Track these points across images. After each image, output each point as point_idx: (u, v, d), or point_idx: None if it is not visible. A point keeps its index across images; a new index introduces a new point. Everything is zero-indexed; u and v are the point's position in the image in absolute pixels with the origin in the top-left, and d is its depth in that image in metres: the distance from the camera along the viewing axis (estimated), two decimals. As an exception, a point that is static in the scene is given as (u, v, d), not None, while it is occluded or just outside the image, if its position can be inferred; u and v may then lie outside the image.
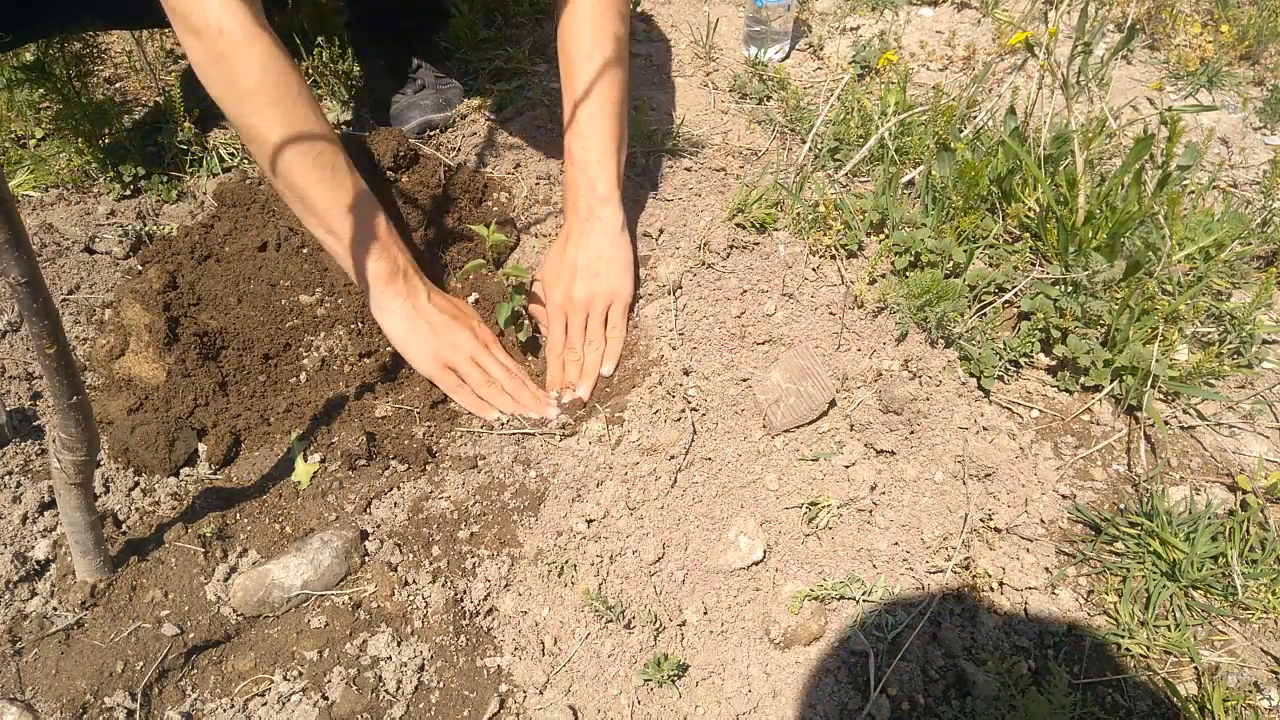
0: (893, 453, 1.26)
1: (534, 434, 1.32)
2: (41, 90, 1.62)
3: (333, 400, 1.36)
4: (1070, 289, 1.35)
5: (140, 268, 1.51)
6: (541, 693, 1.06)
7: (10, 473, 1.22)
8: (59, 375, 0.88)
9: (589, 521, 1.20)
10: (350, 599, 1.12)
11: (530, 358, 1.48)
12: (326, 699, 1.04)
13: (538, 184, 1.69)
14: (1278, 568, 1.11)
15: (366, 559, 1.17)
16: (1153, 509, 1.16)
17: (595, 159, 1.41)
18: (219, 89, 1.22)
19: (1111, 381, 1.30)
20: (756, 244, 1.52)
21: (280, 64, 1.21)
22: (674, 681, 1.06)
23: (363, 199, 1.31)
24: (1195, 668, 1.06)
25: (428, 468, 1.29)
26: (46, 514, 1.18)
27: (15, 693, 1.01)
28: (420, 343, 1.35)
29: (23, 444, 1.26)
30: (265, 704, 1.03)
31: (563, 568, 1.16)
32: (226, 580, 1.13)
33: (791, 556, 1.17)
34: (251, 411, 1.33)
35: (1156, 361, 1.25)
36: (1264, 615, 1.09)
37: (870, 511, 1.21)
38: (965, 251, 1.41)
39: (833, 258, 1.49)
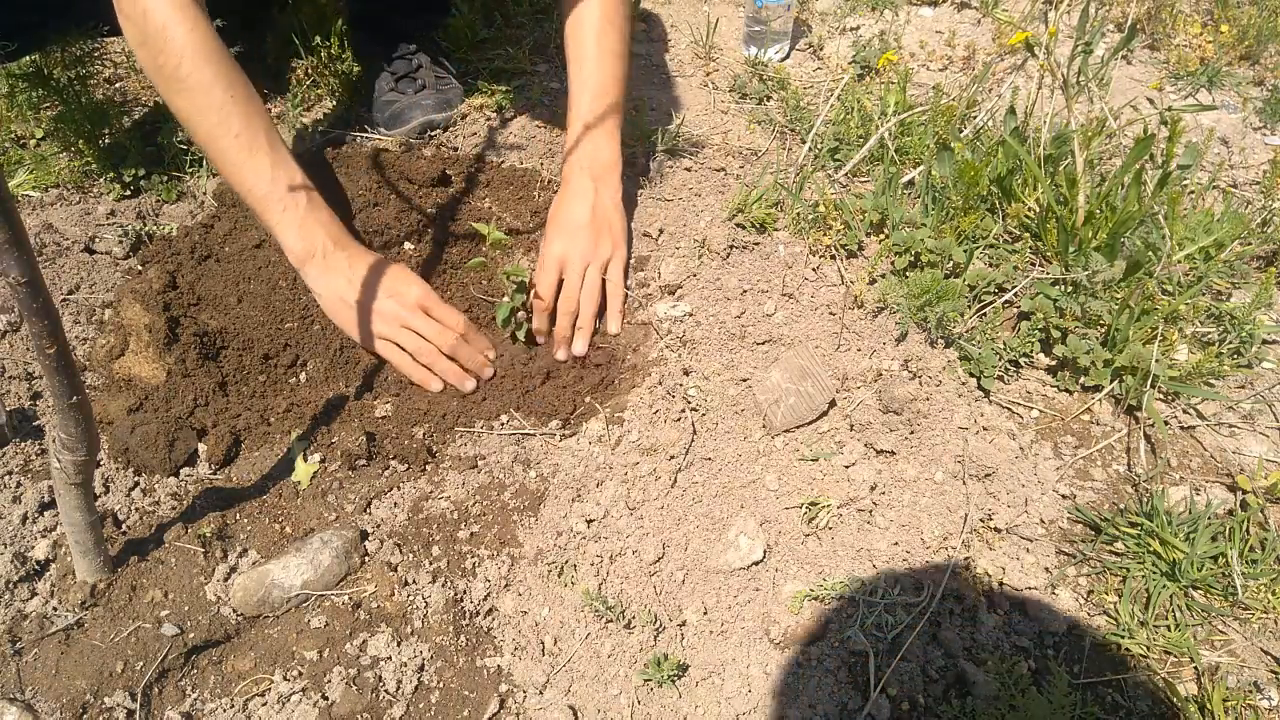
0: (893, 453, 1.26)
1: (534, 434, 1.32)
2: (41, 91, 1.62)
3: (333, 400, 1.36)
4: (1070, 289, 1.35)
5: (140, 268, 1.51)
6: (541, 693, 1.06)
7: (10, 473, 1.22)
8: (59, 375, 0.88)
9: (589, 521, 1.20)
10: (350, 599, 1.12)
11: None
12: (326, 699, 1.04)
13: (538, 184, 1.69)
14: (1278, 568, 1.11)
15: (366, 559, 1.17)
16: (1153, 509, 1.16)
17: (606, 127, 1.48)
18: (147, 71, 1.29)
19: (1111, 381, 1.30)
20: (756, 244, 1.52)
21: (205, 48, 1.25)
22: (674, 681, 1.06)
23: (280, 176, 1.32)
24: (1195, 668, 1.06)
25: (428, 468, 1.29)
26: (46, 514, 1.18)
27: (15, 693, 1.01)
28: (350, 321, 1.37)
29: (23, 444, 1.26)
30: (265, 704, 1.03)
31: (563, 568, 1.16)
32: (226, 580, 1.13)
33: (791, 556, 1.17)
34: (251, 411, 1.33)
35: (1156, 361, 1.25)
36: (1264, 615, 1.09)
37: (870, 511, 1.20)
38: (965, 251, 1.41)
39: (833, 258, 1.49)
